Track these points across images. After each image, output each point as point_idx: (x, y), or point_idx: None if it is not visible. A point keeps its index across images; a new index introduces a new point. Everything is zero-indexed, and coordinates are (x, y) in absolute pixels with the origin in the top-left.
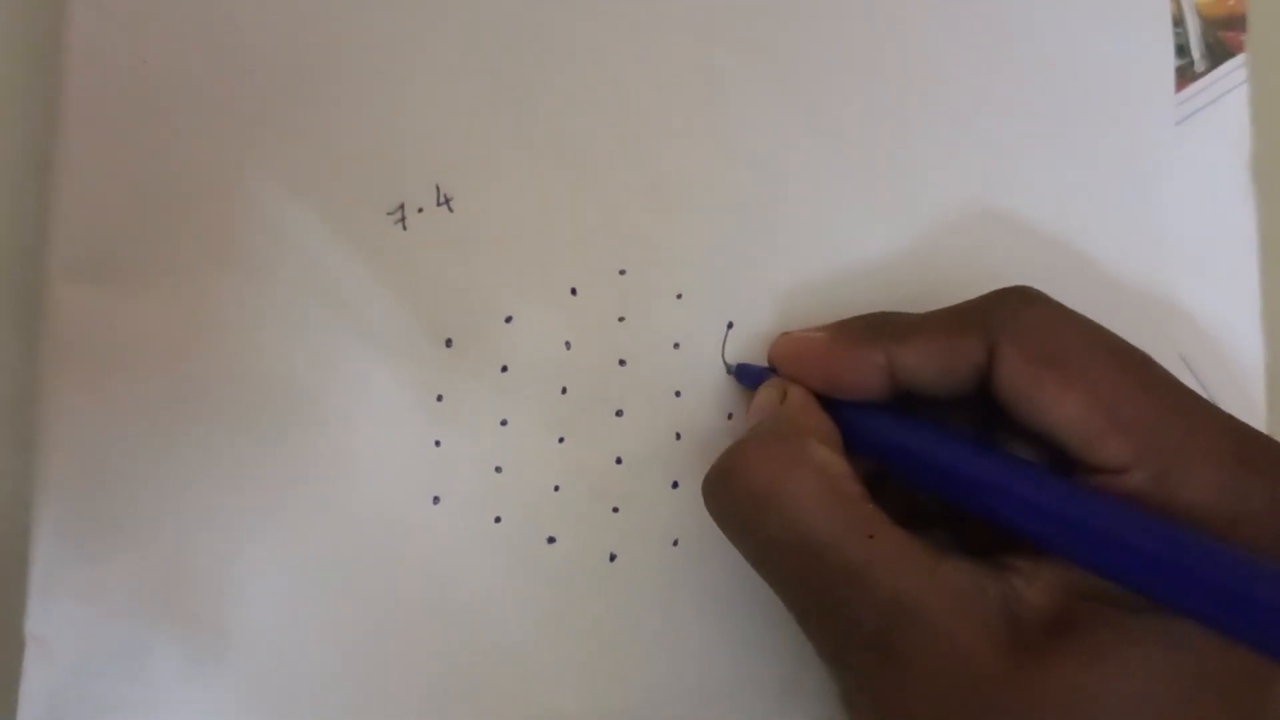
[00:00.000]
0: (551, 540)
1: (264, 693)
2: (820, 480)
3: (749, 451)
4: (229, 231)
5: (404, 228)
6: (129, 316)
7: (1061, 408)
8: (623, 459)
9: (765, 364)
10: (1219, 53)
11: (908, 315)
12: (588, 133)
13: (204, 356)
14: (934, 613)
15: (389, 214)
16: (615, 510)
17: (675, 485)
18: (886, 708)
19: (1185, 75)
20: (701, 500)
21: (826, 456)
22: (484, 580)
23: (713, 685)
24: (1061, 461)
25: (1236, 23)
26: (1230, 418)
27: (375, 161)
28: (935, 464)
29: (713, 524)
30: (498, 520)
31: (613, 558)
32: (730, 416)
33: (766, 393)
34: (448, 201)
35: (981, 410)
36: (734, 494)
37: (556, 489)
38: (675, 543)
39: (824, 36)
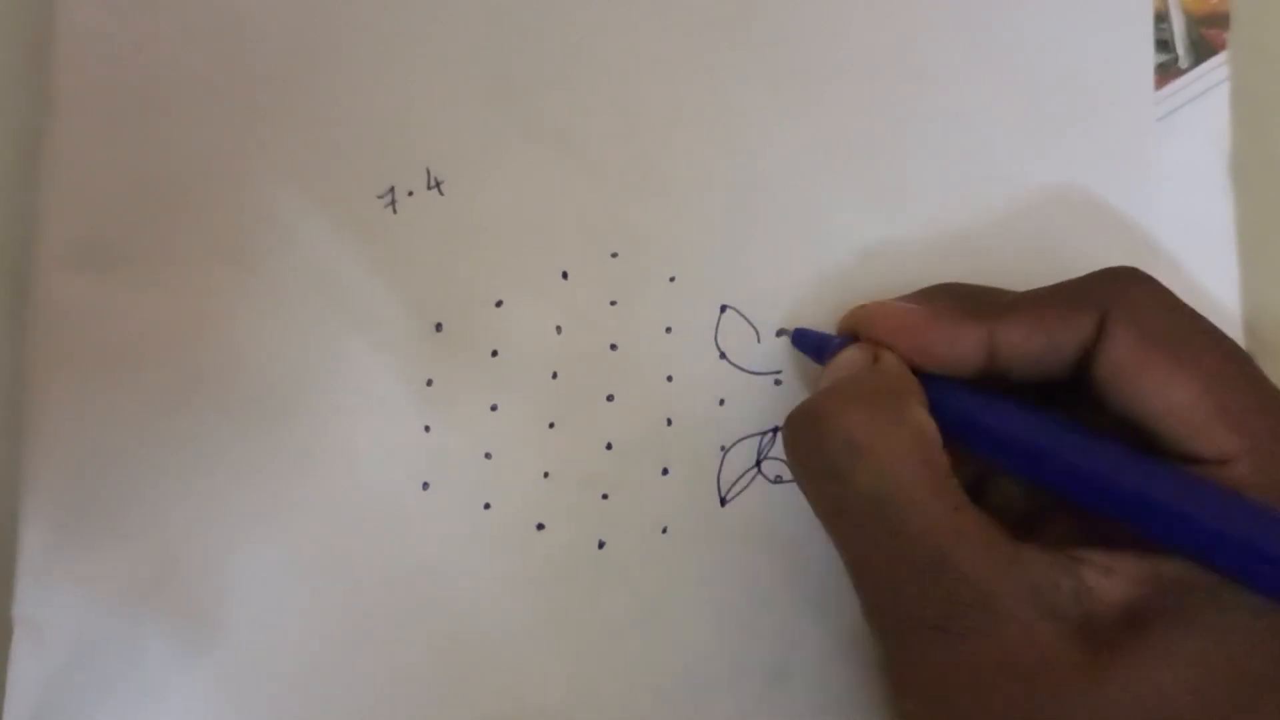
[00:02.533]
0: (541, 527)
1: (255, 679)
2: (917, 440)
3: (845, 396)
4: (219, 218)
5: (394, 211)
6: (117, 304)
7: (1172, 392)
8: (613, 445)
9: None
10: (1202, 49)
11: (1005, 291)
12: (579, 116)
13: (193, 343)
14: (1009, 600)
15: (379, 197)
16: (605, 497)
17: (665, 472)
18: (945, 692)
19: (1169, 71)
20: (691, 487)
21: (925, 420)
22: (473, 567)
23: (701, 673)
24: (1151, 452)
25: (1219, 20)
26: None
27: (366, 144)
28: (1033, 446)
29: (702, 511)
30: (487, 507)
31: (601, 545)
32: (722, 402)
33: (855, 353)
34: (438, 185)
35: (1044, 401)
36: (825, 437)
37: (546, 475)
38: (665, 530)
39: (814, 28)
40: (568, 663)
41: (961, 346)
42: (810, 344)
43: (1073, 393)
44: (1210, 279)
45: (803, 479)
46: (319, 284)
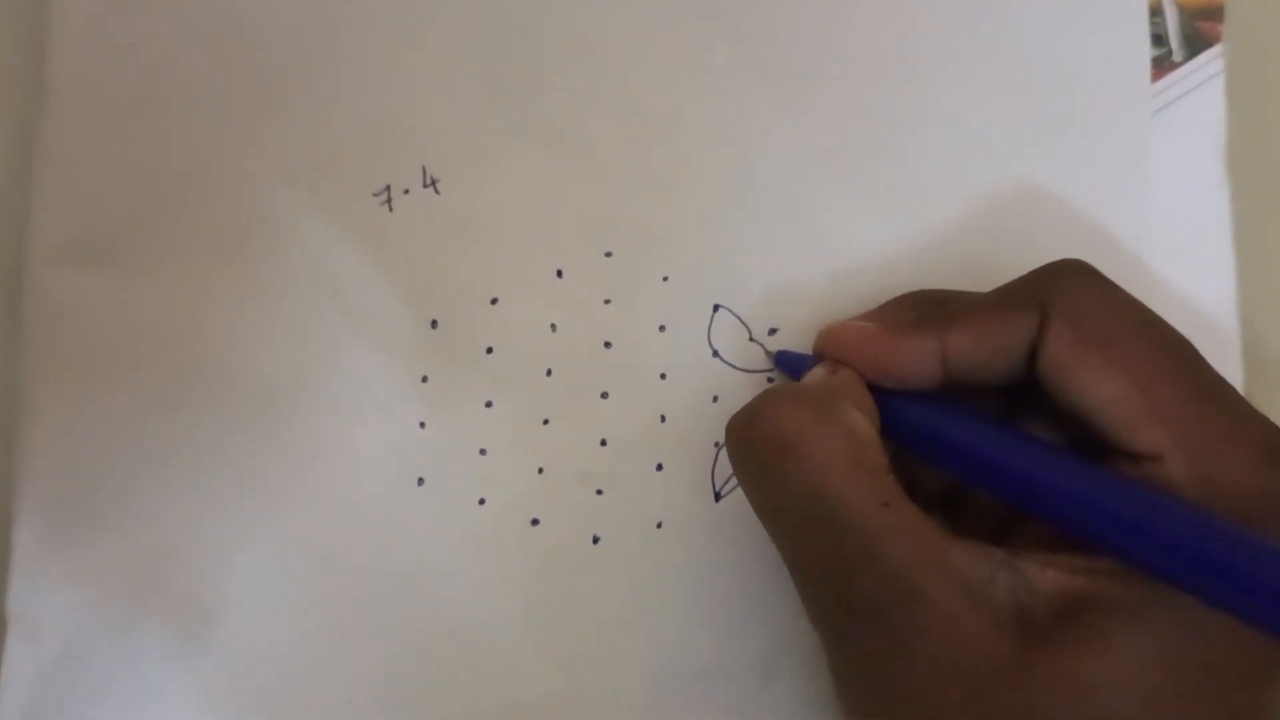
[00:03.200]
0: (535, 523)
1: (248, 674)
2: (848, 441)
3: (779, 400)
4: (215, 216)
5: (390, 209)
6: (113, 301)
7: (1103, 388)
8: (607, 441)
9: (805, 354)
10: (1196, 43)
11: (955, 296)
12: (576, 115)
13: (188, 340)
14: (941, 593)
15: (375, 195)
16: (599, 493)
17: (659, 468)
18: (883, 685)
19: (1163, 65)
20: (685, 483)
21: (856, 420)
22: (468, 562)
23: (694, 667)
24: (1095, 450)
25: (1214, 13)
26: (1263, 415)
27: (362, 142)
28: (972, 451)
29: (696, 507)
30: (482, 502)
31: (596, 540)
32: (715, 399)
33: (817, 372)
34: (434, 183)
35: (1010, 398)
36: (758, 437)
37: (540, 471)
38: (659, 525)
39: (810, 28)
40: (561, 657)
41: (913, 359)
42: (789, 364)
43: (1038, 392)
44: (1206, 272)
45: (741, 479)
46: (315, 281)
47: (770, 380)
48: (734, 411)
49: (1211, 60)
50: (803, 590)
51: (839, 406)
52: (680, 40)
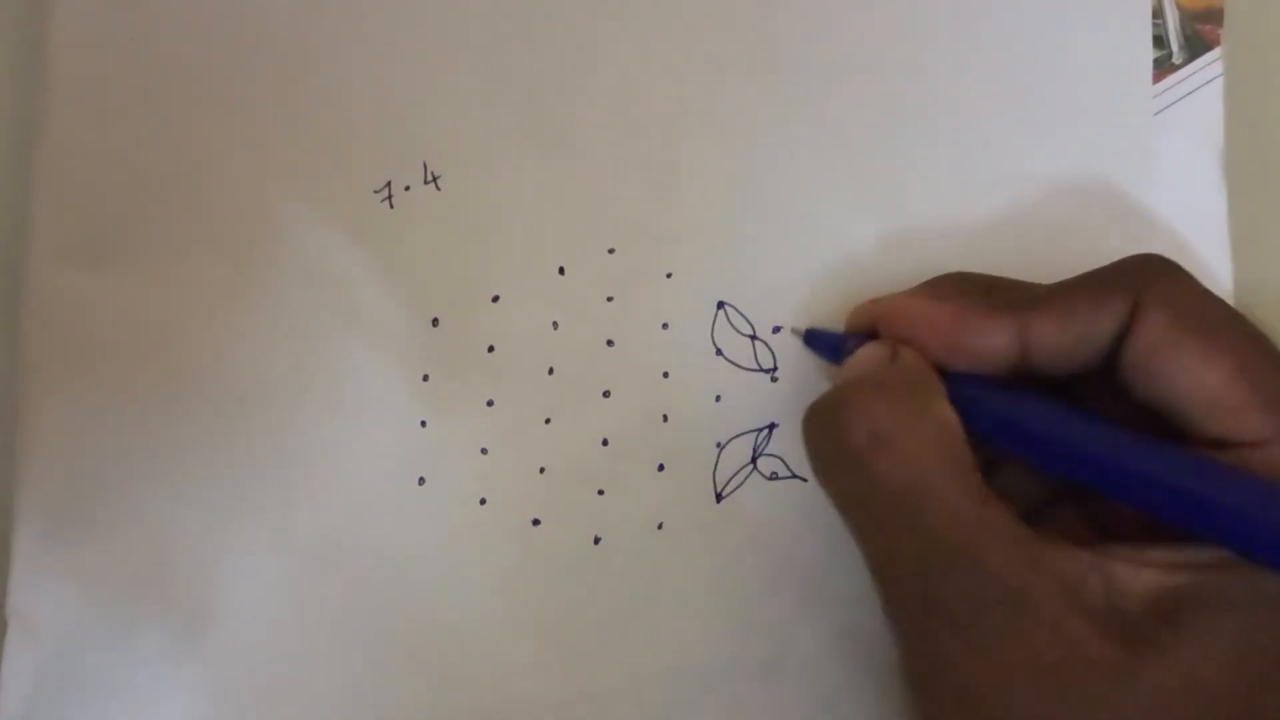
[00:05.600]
0: (536, 522)
1: (248, 672)
2: (941, 434)
3: (867, 390)
4: (215, 213)
5: (391, 206)
6: (112, 299)
7: (1204, 374)
8: (609, 440)
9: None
10: (1196, 45)
11: (1022, 282)
12: (578, 112)
13: (188, 338)
14: (1039, 597)
15: (376, 192)
16: (601, 493)
17: (661, 468)
18: (970, 690)
19: (1163, 67)
20: (687, 484)
21: (949, 414)
22: (468, 562)
23: (695, 667)
24: (1181, 440)
25: (1214, 16)
26: None
27: (362, 139)
28: (1066, 441)
29: (698, 507)
30: (483, 502)
31: (597, 540)
32: (718, 398)
33: (875, 350)
34: (435, 180)
35: (1082, 392)
36: (847, 428)
37: (542, 471)
38: (660, 525)
39: (812, 26)
40: (562, 657)
41: (993, 342)
42: (824, 344)
43: (1094, 385)
44: (1204, 273)
45: (823, 471)
46: (316, 279)
47: (774, 380)
48: (737, 411)
49: (1211, 63)
50: (886, 588)
51: (931, 398)
52: (683, 39)
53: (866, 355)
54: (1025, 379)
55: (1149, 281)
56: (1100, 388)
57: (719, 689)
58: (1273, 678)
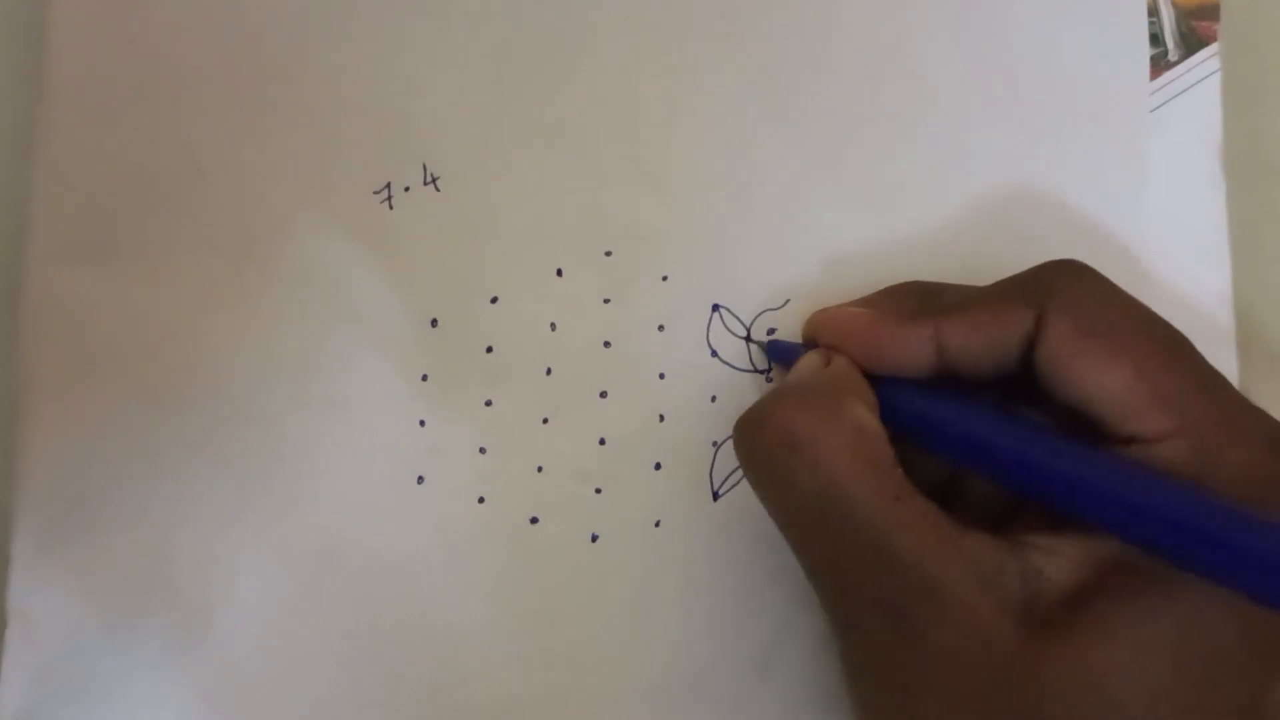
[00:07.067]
0: (534, 521)
1: (247, 671)
2: (855, 436)
3: (787, 399)
4: (215, 213)
5: (390, 207)
6: (111, 298)
7: (1106, 377)
8: (606, 440)
9: (793, 342)
10: (1192, 42)
11: (953, 288)
12: (576, 114)
13: (187, 338)
14: (954, 584)
15: (375, 193)
16: (598, 491)
17: (658, 467)
18: (897, 677)
19: (1159, 64)
20: (684, 482)
21: (864, 416)
22: (466, 560)
23: (692, 664)
24: (1091, 438)
25: (1209, 12)
26: (1261, 409)
27: (362, 139)
28: (973, 436)
29: (695, 506)
30: (481, 501)
31: (595, 539)
32: (714, 399)
33: (810, 359)
34: (434, 181)
35: (1004, 392)
36: (766, 438)
37: (540, 470)
38: (657, 524)
39: (808, 29)
40: (560, 654)
41: (908, 347)
42: (780, 353)
43: (1029, 384)
44: (1202, 271)
45: (751, 481)
46: (314, 279)
47: (769, 380)
48: (733, 411)
49: (1207, 59)
50: (815, 585)
51: (845, 403)
52: (680, 41)
53: (804, 364)
54: (958, 381)
55: (1054, 290)
56: (1033, 388)
57: (716, 684)
58: (1174, 672)
